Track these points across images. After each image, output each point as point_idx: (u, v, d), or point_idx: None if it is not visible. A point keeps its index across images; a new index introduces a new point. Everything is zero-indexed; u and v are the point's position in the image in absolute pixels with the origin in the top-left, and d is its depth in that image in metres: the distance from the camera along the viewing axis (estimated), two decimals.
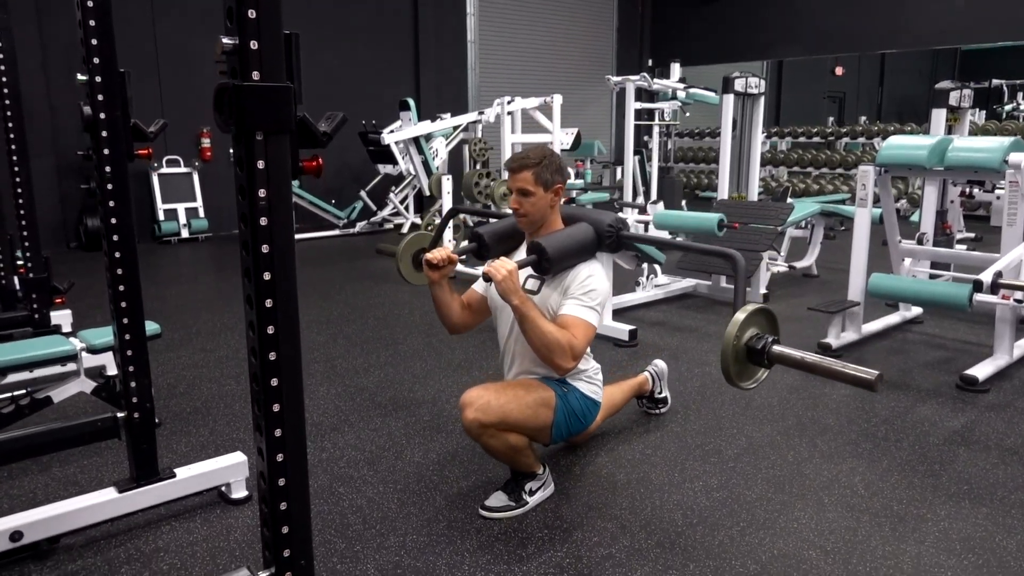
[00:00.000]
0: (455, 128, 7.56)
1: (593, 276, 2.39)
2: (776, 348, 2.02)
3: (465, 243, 2.72)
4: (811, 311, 4.23)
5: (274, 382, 1.41)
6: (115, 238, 2.19)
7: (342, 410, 3.38)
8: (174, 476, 2.43)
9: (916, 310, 4.71)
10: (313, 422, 3.24)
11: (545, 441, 2.53)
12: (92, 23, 2.07)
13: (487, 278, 2.24)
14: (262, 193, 1.33)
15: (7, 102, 3.82)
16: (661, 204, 6.06)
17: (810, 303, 4.85)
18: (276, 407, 1.43)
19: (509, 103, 7.16)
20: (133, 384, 2.29)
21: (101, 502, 2.29)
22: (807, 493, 2.59)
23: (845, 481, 2.67)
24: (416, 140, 7.22)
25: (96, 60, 2.08)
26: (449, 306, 2.53)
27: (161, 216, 8.47)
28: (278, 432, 1.44)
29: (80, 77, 2.11)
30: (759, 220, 5.18)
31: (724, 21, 12.63)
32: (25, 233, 3.67)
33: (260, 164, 1.32)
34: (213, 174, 8.98)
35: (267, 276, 1.37)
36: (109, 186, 2.16)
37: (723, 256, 2.34)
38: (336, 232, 9.03)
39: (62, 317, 4.71)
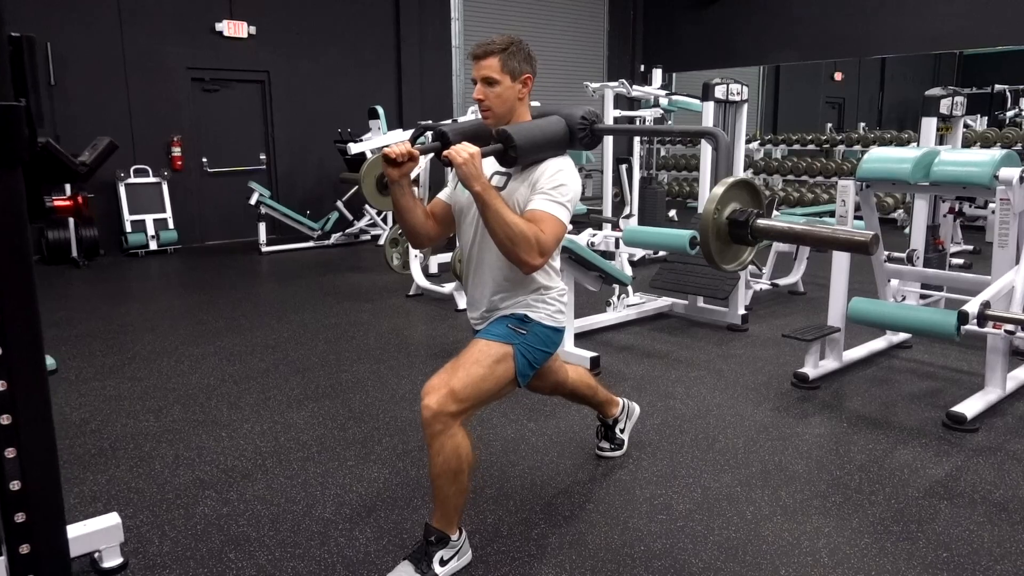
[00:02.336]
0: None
1: (563, 171, 2.13)
2: (761, 221, 1.84)
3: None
4: (787, 338, 3.90)
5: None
6: None
7: (261, 452, 3.07)
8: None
9: (904, 334, 4.38)
10: (225, 467, 2.93)
11: (514, 390, 2.28)
12: None
13: (446, 162, 2.00)
14: None
15: None
16: (634, 219, 5.73)
17: (795, 324, 4.53)
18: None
19: None
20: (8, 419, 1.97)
21: None
22: (762, 562, 2.26)
23: (807, 546, 2.34)
24: None
25: None
26: (411, 211, 2.21)
27: (128, 228, 8.19)
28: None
29: None
30: None
31: (719, 25, 12.32)
32: None
33: None
34: (184, 184, 8.70)
35: None
36: None
37: (704, 135, 2.22)
38: (310, 244, 8.72)
39: None
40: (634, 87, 6.57)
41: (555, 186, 2.10)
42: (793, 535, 2.40)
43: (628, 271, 5.28)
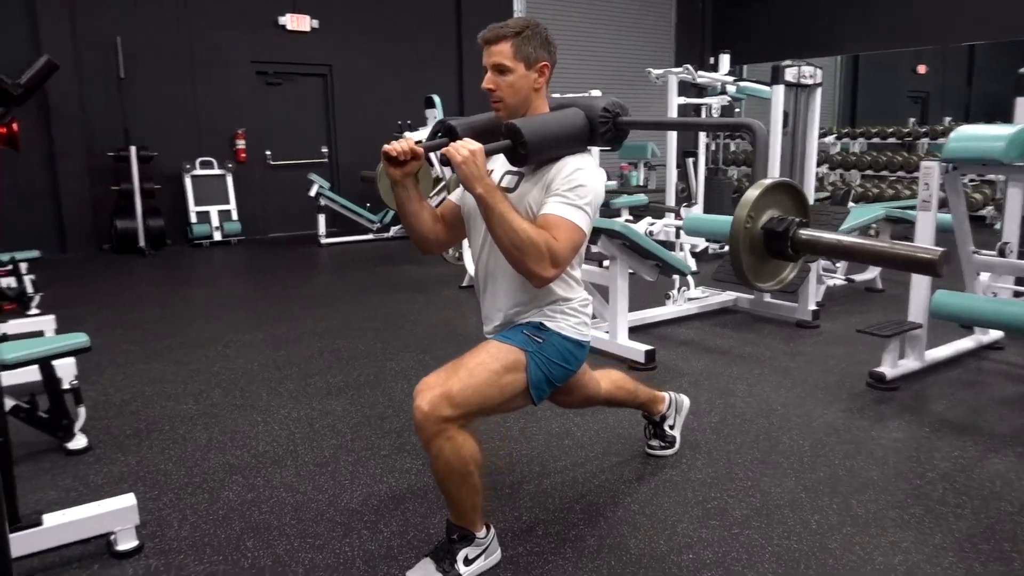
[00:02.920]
0: None
1: (583, 170, 1.89)
2: (804, 232, 1.56)
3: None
4: (861, 333, 3.57)
5: None
6: None
7: (294, 438, 2.95)
8: (40, 524, 2.03)
9: (995, 334, 3.98)
10: (256, 452, 2.83)
11: (524, 406, 2.05)
12: None
13: (445, 160, 1.81)
14: None
15: None
16: (697, 207, 5.45)
17: (871, 321, 4.18)
18: None
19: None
20: None
21: None
22: None
23: (881, 563, 2.06)
24: None
25: None
26: (417, 215, 2.02)
27: (193, 219, 8.33)
28: None
29: None
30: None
31: (794, 13, 11.80)
32: None
33: None
34: (247, 176, 8.80)
35: None
36: None
37: (740, 127, 1.89)
38: (369, 236, 8.71)
39: (45, 323, 4.46)
40: (699, 73, 6.27)
41: (572, 187, 1.86)
42: (865, 549, 2.12)
43: (692, 263, 4.99)
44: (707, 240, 4.67)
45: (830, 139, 11.15)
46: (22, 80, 0.99)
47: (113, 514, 2.12)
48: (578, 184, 1.86)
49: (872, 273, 5.49)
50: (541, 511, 2.36)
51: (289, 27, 8.92)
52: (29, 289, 5.54)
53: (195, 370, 3.85)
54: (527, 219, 1.87)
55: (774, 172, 5.30)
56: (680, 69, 6.17)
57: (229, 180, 8.60)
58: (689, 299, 4.74)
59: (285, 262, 7.42)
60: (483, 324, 2.14)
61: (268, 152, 9.06)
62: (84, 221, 7.97)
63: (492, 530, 2.06)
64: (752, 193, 1.68)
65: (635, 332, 4.25)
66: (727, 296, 4.93)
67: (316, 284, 6.44)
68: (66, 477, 2.63)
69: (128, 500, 2.16)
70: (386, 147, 1.86)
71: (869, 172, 10.46)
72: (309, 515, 2.35)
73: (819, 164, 10.10)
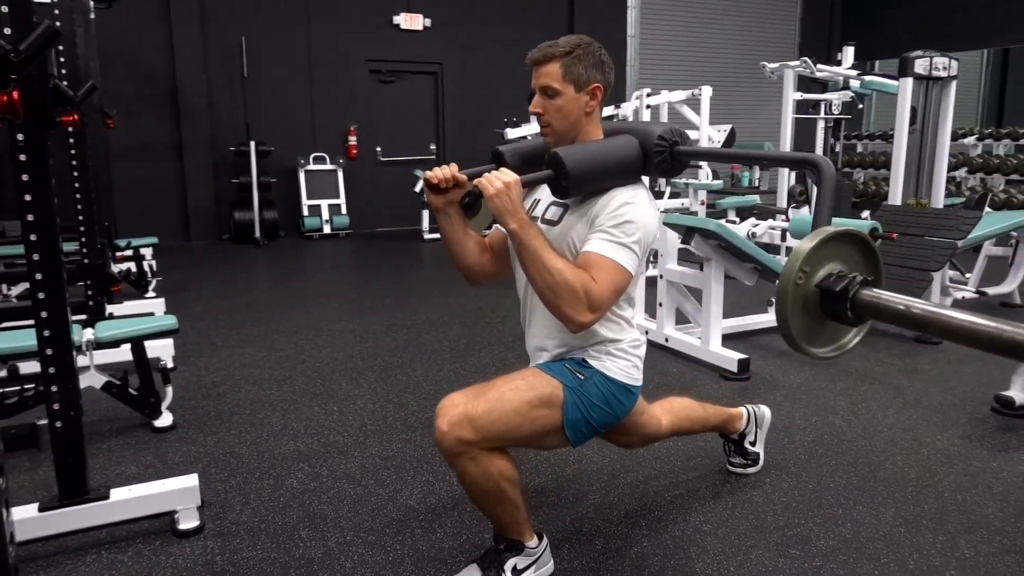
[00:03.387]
0: None
1: (632, 204, 1.72)
2: (868, 292, 1.32)
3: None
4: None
5: None
6: (29, 218, 1.87)
7: (365, 430, 2.94)
8: (106, 498, 2.09)
9: None
10: (327, 441, 2.83)
11: (561, 446, 1.88)
12: None
13: (478, 193, 1.70)
14: None
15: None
16: (806, 209, 5.07)
17: None
18: None
19: (648, 95, 6.45)
20: (54, 388, 1.97)
21: (15, 520, 1.99)
22: None
23: None
24: None
25: (5, 9, 1.78)
26: (461, 244, 1.91)
27: (305, 212, 8.65)
28: None
29: None
30: (934, 231, 4.10)
31: (933, 4, 10.92)
32: (81, 216, 3.56)
33: None
34: (358, 172, 9.05)
35: None
36: (22, 156, 1.84)
37: (806, 163, 1.66)
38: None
39: (155, 306, 4.71)
40: (819, 67, 5.86)
41: (618, 223, 1.69)
42: None
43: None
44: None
45: (970, 140, 10.22)
46: (21, 47, 0.99)
47: (176, 493, 2.16)
48: (626, 220, 1.70)
49: (1009, 286, 4.95)
50: (604, 523, 2.22)
51: (403, 26, 9.10)
52: (149, 274, 5.89)
53: (284, 357, 3.94)
54: (569, 256, 1.74)
55: (898, 173, 4.88)
56: (797, 62, 5.80)
57: (340, 175, 8.88)
58: None
59: (387, 256, 7.57)
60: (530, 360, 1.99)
61: (379, 148, 9.29)
62: (207, 212, 8.44)
63: (545, 540, 1.94)
64: (806, 244, 1.42)
65: (731, 340, 4.01)
66: None
67: (412, 278, 6.51)
68: (148, 454, 2.72)
69: (191, 481, 2.19)
70: (427, 174, 1.78)
71: (1015, 177, 9.50)
72: (367, 509, 2.31)
73: (956, 167, 9.26)
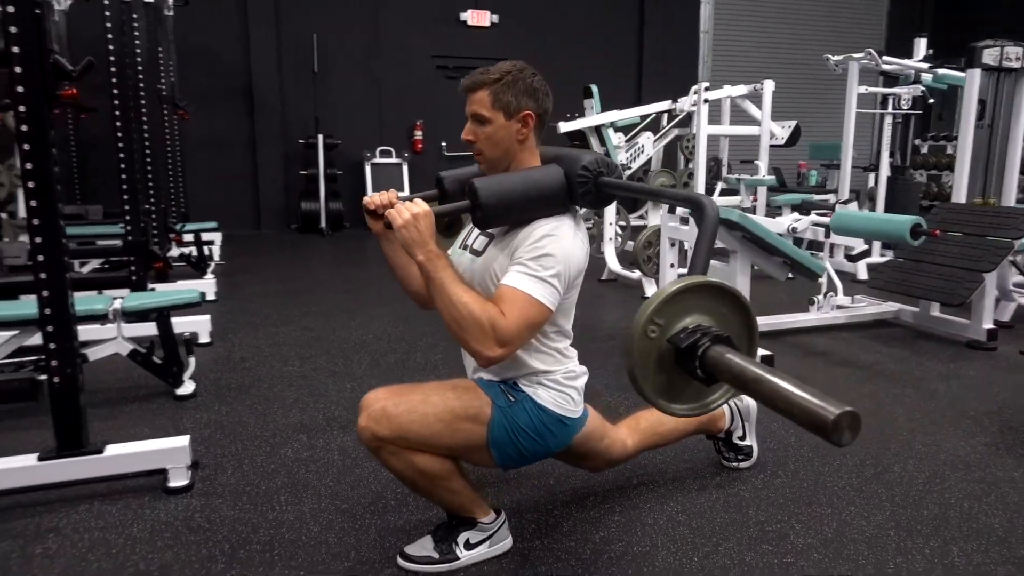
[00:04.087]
0: (643, 118, 6.82)
1: (553, 237, 1.67)
2: (716, 351, 1.21)
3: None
4: None
5: None
6: (31, 184, 2.00)
7: None
8: (100, 452, 2.21)
9: None
10: (331, 416, 2.91)
11: (489, 465, 1.86)
12: None
13: (388, 223, 1.68)
14: None
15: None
16: (853, 204, 4.81)
17: None
18: None
19: (707, 90, 6.29)
20: (52, 346, 2.10)
21: (15, 468, 2.14)
22: None
23: None
24: (599, 130, 6.64)
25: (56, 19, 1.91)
26: (405, 269, 1.93)
27: None
28: None
29: None
30: (991, 230, 3.84)
31: None
32: (126, 197, 3.78)
33: None
34: (422, 166, 9.21)
35: None
36: (24, 127, 1.97)
37: (688, 202, 1.59)
38: None
39: (206, 285, 4.94)
40: (884, 59, 5.57)
41: (536, 256, 1.65)
42: None
43: (861, 272, 4.38)
44: (862, 240, 4.13)
45: None
46: (75, 70, 1.08)
47: (166, 452, 2.26)
48: (544, 253, 1.65)
49: None
50: (577, 507, 2.19)
51: (470, 23, 9.20)
52: (214, 257, 6.19)
53: (315, 336, 4.06)
54: (491, 287, 1.71)
55: (962, 171, 4.58)
56: (861, 55, 5.53)
57: (405, 168, 9.05)
58: (837, 306, 4.23)
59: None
60: None
61: (444, 143, 9.42)
62: (277, 202, 8.78)
63: (502, 516, 1.94)
64: (658, 296, 1.29)
65: (766, 338, 3.87)
66: (887, 307, 4.34)
67: None
68: (163, 419, 2.86)
69: (181, 441, 2.30)
70: (365, 200, 1.77)
71: None
72: (349, 480, 2.36)
73: None
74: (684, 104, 6.62)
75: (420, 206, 1.65)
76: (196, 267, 5.66)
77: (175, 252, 5.72)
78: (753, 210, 5.87)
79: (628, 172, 7.00)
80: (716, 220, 1.50)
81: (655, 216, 5.43)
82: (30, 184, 2.01)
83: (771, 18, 10.69)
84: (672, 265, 4.02)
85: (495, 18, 9.28)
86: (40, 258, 2.06)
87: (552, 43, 9.55)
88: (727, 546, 1.98)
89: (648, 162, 7.34)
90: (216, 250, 6.74)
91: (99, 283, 3.89)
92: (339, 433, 2.74)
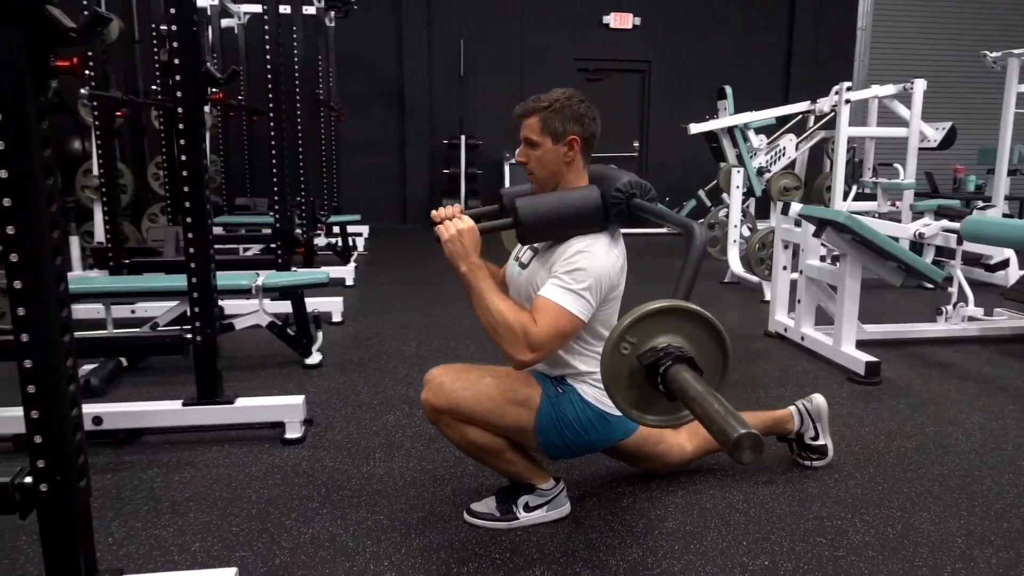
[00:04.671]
0: (780, 120, 6.63)
1: (586, 253, 1.83)
2: (674, 369, 1.30)
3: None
4: None
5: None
6: (184, 173, 2.40)
7: None
8: (232, 403, 2.60)
9: None
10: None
11: (535, 450, 2.02)
12: None
13: (438, 237, 1.88)
14: None
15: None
16: (995, 210, 4.40)
17: None
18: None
19: (848, 90, 6.05)
20: (197, 310, 2.50)
21: (164, 410, 2.56)
22: None
23: None
24: (731, 132, 6.55)
25: (172, 10, 2.31)
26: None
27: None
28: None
29: (162, 28, 2.36)
30: None
31: None
32: (275, 189, 4.26)
33: None
34: None
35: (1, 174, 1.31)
36: (180, 125, 2.37)
37: (682, 226, 1.65)
38: (663, 231, 8.73)
39: (346, 271, 5.43)
40: None
41: (569, 270, 1.80)
42: None
43: (959, 274, 4.07)
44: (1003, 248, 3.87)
45: None
46: (78, 27, 1.27)
47: (284, 407, 2.62)
48: (577, 268, 1.80)
49: None
50: (641, 487, 2.30)
51: (612, 25, 9.32)
52: (357, 247, 6.72)
53: (434, 322, 4.38)
54: (528, 298, 1.87)
55: None
56: (1022, 49, 5.11)
57: None
58: (969, 318, 3.99)
59: None
60: None
61: None
62: (422, 198, 9.34)
63: (561, 484, 2.10)
64: (628, 317, 1.35)
65: (885, 346, 3.76)
66: None
67: None
68: (291, 383, 3.26)
69: (297, 400, 2.64)
70: (433, 213, 1.94)
71: None
72: (437, 446, 2.60)
73: None
74: (824, 105, 6.40)
75: (466, 222, 1.85)
76: (340, 255, 6.20)
77: (322, 241, 6.29)
78: (890, 216, 5.59)
79: (768, 175, 6.86)
80: (703, 247, 1.57)
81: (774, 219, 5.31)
82: (184, 173, 2.41)
83: (936, 12, 9.96)
84: (784, 268, 3.96)
85: (637, 20, 9.34)
86: (190, 235, 2.46)
87: (695, 43, 9.48)
88: (780, 535, 2.03)
89: (792, 164, 7.15)
90: (361, 241, 7.32)
91: (250, 264, 4.42)
92: None
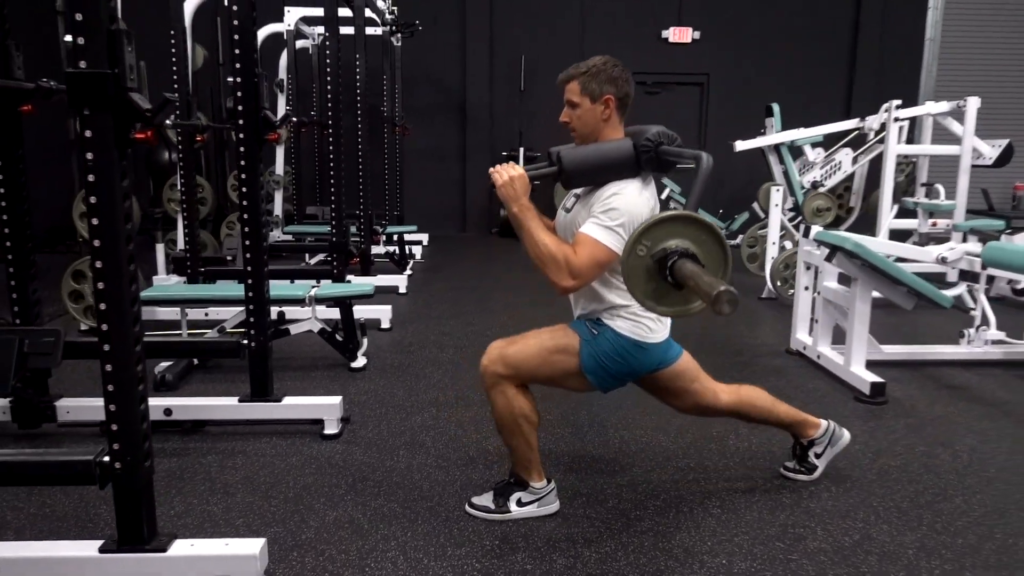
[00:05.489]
0: (826, 136, 6.67)
1: (620, 195, 2.09)
2: (680, 262, 1.67)
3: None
4: None
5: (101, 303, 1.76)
6: (244, 203, 2.80)
7: None
8: (279, 401, 2.99)
9: None
10: (460, 395, 3.51)
11: (589, 389, 2.30)
12: (236, 37, 2.70)
13: (492, 183, 2.19)
14: (89, 156, 1.68)
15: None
16: (1020, 237, 4.38)
17: None
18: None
19: (898, 107, 6.09)
20: (252, 320, 2.91)
21: (222, 405, 2.98)
22: None
23: None
24: (778, 149, 6.65)
25: (238, 65, 2.71)
26: None
27: None
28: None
29: (228, 79, 2.77)
30: None
31: None
32: (333, 206, 4.68)
33: (87, 133, 1.67)
34: None
35: (93, 221, 1.71)
36: (243, 162, 2.78)
37: (691, 157, 1.97)
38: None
39: (399, 280, 5.83)
40: None
41: (605, 210, 2.07)
42: None
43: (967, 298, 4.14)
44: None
45: None
46: (152, 108, 1.56)
47: (323, 406, 3.00)
48: (611, 208, 2.07)
49: None
50: (627, 489, 2.56)
51: (671, 39, 9.48)
52: (415, 256, 7.13)
53: (475, 330, 4.72)
54: (572, 237, 2.14)
55: None
56: None
57: None
58: (993, 342, 4.06)
59: None
60: None
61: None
62: (481, 208, 9.72)
63: (552, 484, 2.39)
64: (649, 219, 1.75)
65: (904, 367, 3.91)
66: None
67: None
68: (336, 384, 3.65)
69: (335, 400, 3.01)
70: (491, 169, 2.23)
71: None
72: (455, 445, 2.93)
73: None
74: (874, 123, 6.44)
75: (517, 170, 2.15)
76: (397, 264, 6.62)
77: (381, 250, 6.73)
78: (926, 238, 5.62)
79: (821, 189, 6.93)
80: (708, 170, 1.89)
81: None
82: (244, 203, 2.82)
83: (1007, 22, 9.70)
84: (806, 288, 4.12)
85: (697, 34, 9.46)
86: (247, 255, 2.86)
87: (755, 56, 9.53)
88: (742, 538, 2.26)
89: (850, 179, 7.18)
90: (419, 250, 7.74)
91: (310, 274, 4.86)
92: (462, 409, 3.33)
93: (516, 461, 2.37)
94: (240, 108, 2.74)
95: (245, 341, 2.99)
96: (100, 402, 1.83)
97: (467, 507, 2.41)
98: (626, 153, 2.13)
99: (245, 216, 2.83)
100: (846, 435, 2.66)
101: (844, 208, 8.58)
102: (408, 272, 6.50)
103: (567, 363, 2.24)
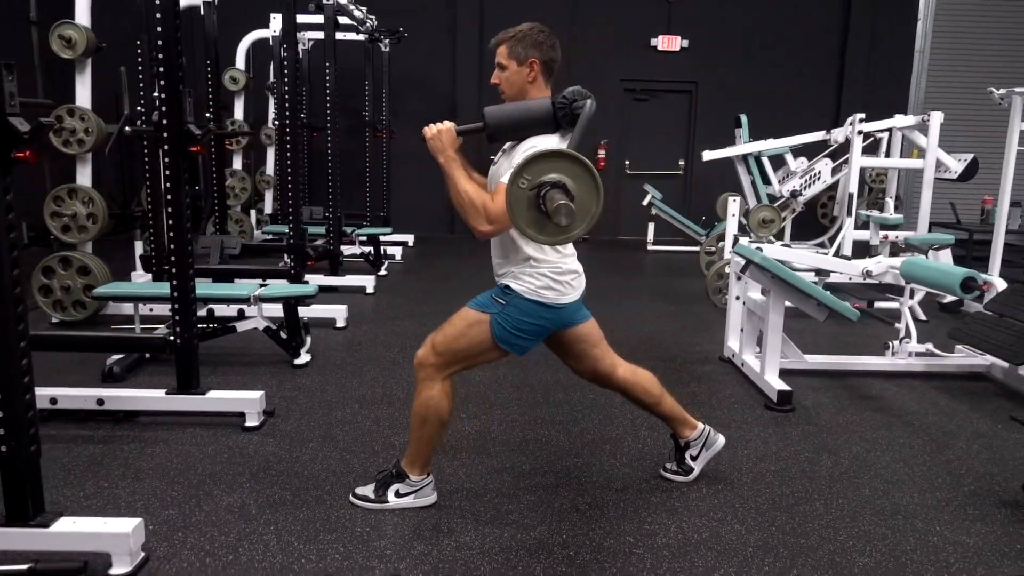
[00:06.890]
0: (792, 148, 6.77)
1: (536, 147, 2.19)
2: (551, 192, 1.85)
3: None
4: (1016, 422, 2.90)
5: None
6: (170, 209, 3.02)
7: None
8: (204, 394, 3.21)
9: None
10: (388, 393, 3.71)
11: (505, 356, 2.44)
12: (160, 56, 2.91)
13: (423, 137, 2.33)
14: None
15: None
16: (944, 254, 4.44)
17: None
18: None
19: (862, 120, 6.19)
20: (177, 317, 3.12)
21: (149, 397, 3.20)
22: None
23: None
24: (745, 159, 6.77)
25: (162, 82, 2.93)
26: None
27: None
28: None
29: (154, 94, 2.99)
30: None
31: None
32: (291, 209, 4.89)
33: None
34: (603, 183, 9.74)
35: None
36: (167, 172, 3.00)
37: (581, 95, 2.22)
38: (695, 248, 8.94)
39: (367, 281, 6.04)
40: None
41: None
42: None
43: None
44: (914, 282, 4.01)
45: None
46: (199, 135, 1.67)
47: (245, 400, 3.20)
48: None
49: None
50: (527, 492, 2.73)
51: (660, 48, 9.60)
52: (391, 256, 7.33)
53: (427, 330, 4.63)
54: (473, 185, 2.29)
55: None
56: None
57: None
58: (915, 353, 4.16)
59: (607, 262, 8.22)
60: None
61: (627, 162, 9.92)
62: None
63: (430, 478, 2.57)
64: (529, 154, 1.95)
65: (826, 376, 4.05)
66: (980, 360, 4.17)
67: (615, 281, 6.97)
68: (274, 380, 3.85)
69: (255, 395, 3.22)
70: (424, 129, 2.36)
71: None
72: (366, 439, 3.12)
73: None
74: (838, 135, 6.53)
75: (446, 124, 2.32)
76: (372, 265, 6.84)
77: (356, 251, 6.94)
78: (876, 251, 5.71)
79: (801, 198, 7.04)
80: (590, 113, 2.17)
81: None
82: (169, 208, 3.03)
83: (997, 35, 9.67)
84: (737, 298, 4.26)
85: (685, 43, 9.57)
86: (172, 257, 3.07)
87: (743, 65, 9.62)
88: (597, 532, 2.43)
89: (832, 188, 7.26)
90: (399, 251, 7.94)
91: (271, 274, 5.08)
92: (384, 406, 3.52)
93: (409, 453, 2.55)
94: (164, 122, 2.96)
95: (172, 337, 3.20)
96: None
97: (351, 497, 2.60)
98: (545, 110, 2.30)
99: (170, 222, 3.04)
100: (720, 439, 2.81)
101: (827, 218, 8.67)
102: (382, 273, 6.71)
103: (482, 335, 2.38)
